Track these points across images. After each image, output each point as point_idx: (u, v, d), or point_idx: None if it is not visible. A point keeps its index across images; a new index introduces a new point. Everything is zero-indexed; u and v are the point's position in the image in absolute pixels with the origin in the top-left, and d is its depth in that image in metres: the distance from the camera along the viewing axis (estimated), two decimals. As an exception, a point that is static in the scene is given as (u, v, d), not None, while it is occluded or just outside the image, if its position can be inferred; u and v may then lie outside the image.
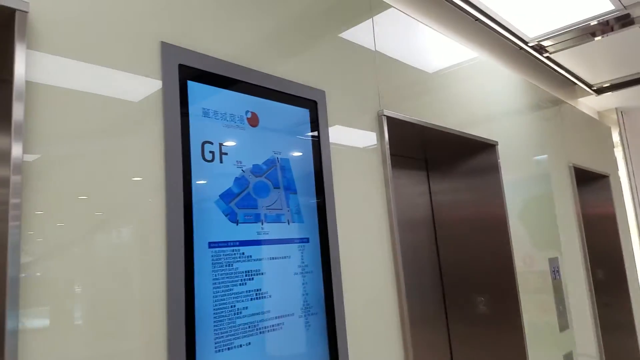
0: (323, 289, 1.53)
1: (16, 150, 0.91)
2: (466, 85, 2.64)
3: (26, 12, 0.92)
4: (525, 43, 3.52)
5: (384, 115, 1.96)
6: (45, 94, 0.99)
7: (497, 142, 2.73)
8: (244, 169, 1.36)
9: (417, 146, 2.65)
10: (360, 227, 1.74)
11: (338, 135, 1.73)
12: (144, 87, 1.17)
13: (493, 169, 2.71)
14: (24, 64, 0.92)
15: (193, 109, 1.25)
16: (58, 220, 0.99)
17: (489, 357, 2.62)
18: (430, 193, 2.91)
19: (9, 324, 0.87)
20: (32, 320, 0.93)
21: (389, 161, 1.92)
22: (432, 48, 2.44)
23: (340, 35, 1.86)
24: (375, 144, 1.90)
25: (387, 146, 1.93)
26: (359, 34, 1.97)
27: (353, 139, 1.80)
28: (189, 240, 1.18)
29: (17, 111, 0.89)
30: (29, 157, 0.96)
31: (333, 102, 1.74)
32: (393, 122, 2.03)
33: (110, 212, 1.07)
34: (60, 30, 1.04)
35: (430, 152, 2.83)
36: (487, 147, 2.73)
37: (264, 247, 1.38)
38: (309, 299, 1.48)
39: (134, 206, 1.11)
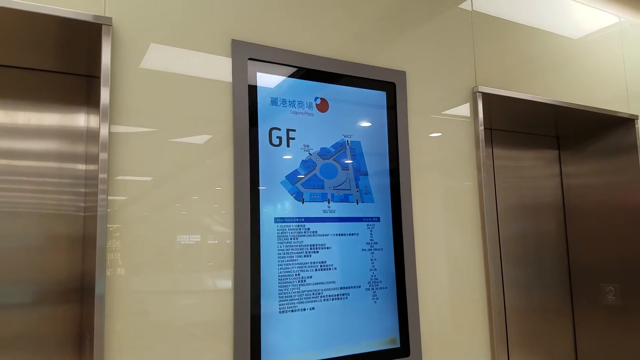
0: (394, 265, 1.60)
1: (103, 129, 1.15)
2: (601, 54, 2.32)
3: (109, 25, 1.17)
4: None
5: (479, 92, 1.88)
6: (127, 78, 1.24)
7: (637, 116, 2.36)
8: (311, 152, 1.48)
9: (538, 124, 2.43)
10: (443, 211, 1.74)
11: (419, 116, 1.73)
12: (216, 82, 1.36)
13: (631, 148, 2.36)
14: (109, 59, 1.16)
15: (261, 98, 1.41)
16: (140, 193, 1.24)
17: (616, 349, 2.39)
18: (561, 175, 2.66)
19: (97, 289, 1.10)
20: (116, 285, 1.17)
21: (482, 143, 1.85)
22: (553, 11, 2.20)
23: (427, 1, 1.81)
24: (466, 123, 1.84)
25: (481, 127, 1.86)
26: None
27: (436, 120, 1.78)
28: (255, 214, 1.36)
29: (104, 95, 1.14)
30: (115, 134, 1.20)
31: (415, 83, 1.74)
32: (491, 99, 1.93)
33: (185, 188, 1.30)
34: (137, 38, 1.28)
35: (548, 129, 2.57)
36: (623, 123, 2.38)
37: (330, 224, 1.50)
38: (377, 274, 1.57)
39: (206, 183, 1.32)
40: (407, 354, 1.56)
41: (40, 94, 1.40)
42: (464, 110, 1.86)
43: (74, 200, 1.40)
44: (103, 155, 1.16)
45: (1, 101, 1.36)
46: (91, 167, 1.36)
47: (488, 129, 2.40)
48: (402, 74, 1.70)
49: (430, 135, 1.76)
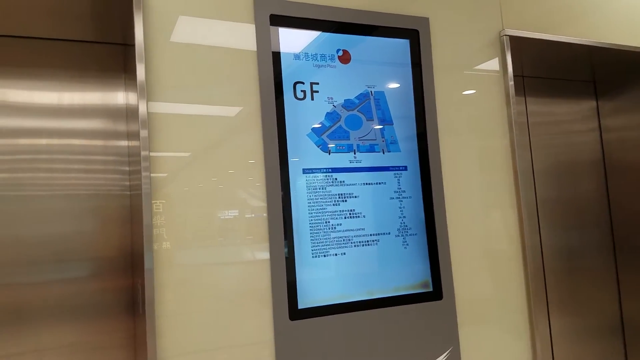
0: (423, 213, 1.64)
1: (142, 107, 1.21)
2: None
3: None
4: None
5: (506, 35, 1.84)
6: (160, 52, 1.31)
7: (682, 52, 2.23)
8: (335, 104, 1.52)
9: (572, 69, 2.34)
10: (470, 159, 1.75)
11: (445, 63, 1.72)
12: (239, 38, 1.41)
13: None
14: (142, 30, 1.22)
15: (284, 54, 1.45)
16: (179, 169, 1.31)
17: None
18: (600, 129, 2.53)
19: (146, 264, 1.18)
20: (163, 259, 1.25)
21: (513, 98, 1.81)
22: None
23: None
24: (495, 77, 1.82)
25: (511, 81, 1.81)
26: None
27: (462, 66, 1.77)
28: (284, 166, 1.42)
29: (140, 72, 1.21)
30: (153, 112, 1.26)
31: (439, 30, 1.72)
32: (521, 43, 1.89)
33: (221, 161, 1.36)
34: (167, 10, 1.33)
35: (584, 74, 2.46)
36: (667, 60, 2.26)
37: (357, 174, 1.54)
38: (406, 221, 1.61)
39: (240, 155, 1.38)
40: (440, 298, 1.61)
41: (79, 65, 1.48)
42: (492, 55, 1.83)
43: (119, 180, 1.50)
44: (144, 133, 1.21)
45: (45, 75, 1.45)
46: (132, 143, 1.43)
47: (519, 76, 2.34)
48: (425, 21, 1.69)
49: (458, 82, 1.75)
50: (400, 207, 1.61)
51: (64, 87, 1.47)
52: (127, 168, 1.50)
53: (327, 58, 1.52)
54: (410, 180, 1.63)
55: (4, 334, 1.32)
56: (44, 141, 1.43)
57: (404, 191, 1.62)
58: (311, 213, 1.47)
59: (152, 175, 1.25)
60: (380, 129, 1.59)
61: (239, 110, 1.39)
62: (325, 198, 1.49)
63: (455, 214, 1.70)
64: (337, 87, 1.53)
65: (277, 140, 1.42)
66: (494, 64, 1.83)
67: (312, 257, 1.46)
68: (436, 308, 1.60)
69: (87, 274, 1.43)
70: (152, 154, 1.26)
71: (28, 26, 1.39)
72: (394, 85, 1.62)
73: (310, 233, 1.46)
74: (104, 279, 1.45)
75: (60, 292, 1.39)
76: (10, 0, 1.21)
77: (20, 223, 1.36)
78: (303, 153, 1.47)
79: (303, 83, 1.48)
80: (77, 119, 1.47)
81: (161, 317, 1.23)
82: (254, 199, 1.39)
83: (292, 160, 1.45)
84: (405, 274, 1.58)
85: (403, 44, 1.65)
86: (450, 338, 1.60)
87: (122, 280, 1.47)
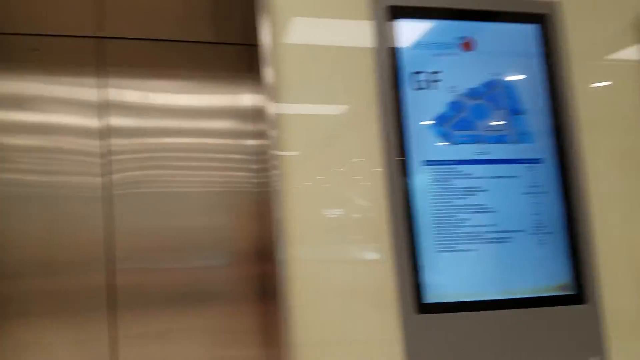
0: (561, 210, 1.49)
1: (271, 108, 1.25)
2: None
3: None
4: None
5: (656, 10, 1.62)
6: (282, 53, 1.35)
7: None
8: (458, 93, 1.46)
9: None
10: (613, 156, 1.55)
11: (578, 51, 1.57)
12: (357, 33, 1.42)
13: None
14: (267, 31, 1.27)
15: (403, 45, 1.44)
16: (303, 167, 1.33)
17: None
18: None
19: (279, 257, 1.23)
20: (291, 253, 1.28)
21: None
22: None
23: None
24: (635, 61, 1.60)
25: None
26: None
27: (598, 54, 1.59)
28: (405, 160, 1.39)
29: (268, 74, 1.26)
30: (281, 112, 1.30)
31: (571, 13, 1.57)
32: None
33: (343, 159, 1.38)
34: (286, 11, 1.39)
35: None
36: None
37: (485, 167, 1.46)
38: (542, 218, 1.48)
39: (363, 151, 1.39)
40: (584, 302, 1.44)
41: (208, 66, 1.59)
42: (633, 41, 1.62)
43: (247, 177, 1.58)
44: (273, 133, 1.26)
45: (174, 76, 1.59)
46: (260, 142, 1.50)
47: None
48: (554, 5, 1.56)
49: (594, 72, 1.58)
50: (535, 203, 1.48)
51: (196, 89, 1.58)
52: (254, 166, 1.59)
53: (449, 46, 1.48)
54: (546, 174, 1.50)
55: (156, 312, 1.46)
56: (183, 140, 1.56)
57: (539, 186, 1.49)
58: (435, 207, 1.41)
59: (280, 173, 1.30)
60: (509, 119, 1.49)
61: (357, 106, 1.41)
62: (451, 191, 1.43)
63: (600, 214, 1.51)
64: (460, 75, 1.47)
65: (397, 133, 1.40)
66: (634, 52, 1.62)
67: (438, 251, 1.40)
68: (578, 313, 1.43)
69: (220, 263, 1.54)
70: (279, 152, 1.31)
71: (159, 29, 1.52)
72: (522, 72, 1.52)
73: (435, 227, 1.40)
74: (236, 268, 1.54)
75: (198, 279, 1.51)
76: (143, 5, 1.35)
77: (167, 216, 1.51)
78: (424, 145, 1.43)
79: (422, 73, 1.45)
80: (210, 119, 1.59)
81: (292, 308, 1.27)
82: (376, 194, 1.38)
83: (413, 153, 1.41)
84: (542, 275, 1.44)
85: (531, 29, 1.54)
86: (595, 347, 1.41)
87: (252, 270, 1.55)
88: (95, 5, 1.49)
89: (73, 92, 1.48)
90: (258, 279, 1.55)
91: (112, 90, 1.51)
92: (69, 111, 1.47)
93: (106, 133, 1.49)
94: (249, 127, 1.60)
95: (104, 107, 1.50)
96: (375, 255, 1.36)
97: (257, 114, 1.54)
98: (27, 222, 1.41)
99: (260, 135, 1.51)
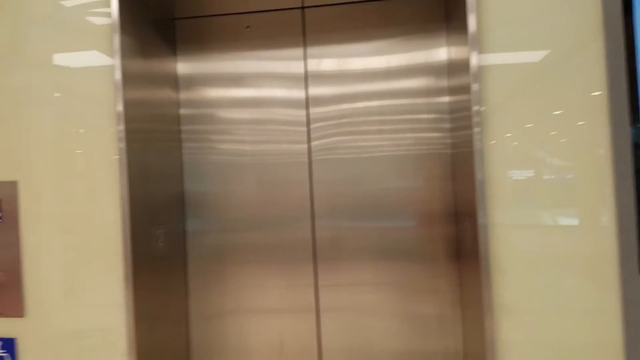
0: None
1: (474, 60, 1.13)
2: None
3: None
4: None
5: None
6: (485, 5, 1.19)
7: None
8: None
9: None
10: None
11: None
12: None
13: None
14: None
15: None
16: (505, 124, 1.19)
17: None
18: None
19: (480, 219, 1.15)
20: (498, 215, 1.19)
21: None
22: None
23: None
24: None
25: None
26: None
27: None
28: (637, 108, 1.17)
29: (472, 22, 1.14)
30: (483, 64, 1.17)
31: None
32: None
33: (548, 94, 1.19)
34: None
35: None
36: None
37: None
38: None
39: (570, 87, 1.19)
40: None
41: (402, 23, 1.54)
42: None
43: (440, 138, 1.53)
44: (475, 87, 1.14)
45: (375, 37, 1.57)
46: (455, 99, 1.41)
47: None
48: None
49: None
50: None
51: (389, 48, 1.56)
52: (447, 125, 1.55)
53: None
54: None
55: (349, 266, 1.58)
56: (375, 103, 1.57)
57: None
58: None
59: (481, 130, 1.19)
60: None
61: (571, 49, 1.19)
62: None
63: None
64: None
65: (629, 77, 1.15)
66: None
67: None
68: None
69: (411, 223, 1.55)
70: (481, 108, 1.20)
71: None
72: None
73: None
74: (427, 229, 1.55)
75: (390, 237, 1.56)
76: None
77: (363, 180, 1.58)
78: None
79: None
80: (403, 79, 1.56)
81: (494, 271, 1.21)
82: (595, 151, 1.21)
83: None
84: None
85: None
86: None
87: (445, 231, 1.54)
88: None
89: (283, 66, 1.61)
90: (451, 240, 1.54)
91: (313, 60, 1.60)
92: (279, 84, 1.62)
93: (310, 102, 1.60)
94: (443, 83, 1.55)
95: (309, 77, 1.60)
96: (592, 222, 1.21)
97: (452, 69, 1.48)
98: (244, 186, 1.63)
99: (454, 91, 1.45)
